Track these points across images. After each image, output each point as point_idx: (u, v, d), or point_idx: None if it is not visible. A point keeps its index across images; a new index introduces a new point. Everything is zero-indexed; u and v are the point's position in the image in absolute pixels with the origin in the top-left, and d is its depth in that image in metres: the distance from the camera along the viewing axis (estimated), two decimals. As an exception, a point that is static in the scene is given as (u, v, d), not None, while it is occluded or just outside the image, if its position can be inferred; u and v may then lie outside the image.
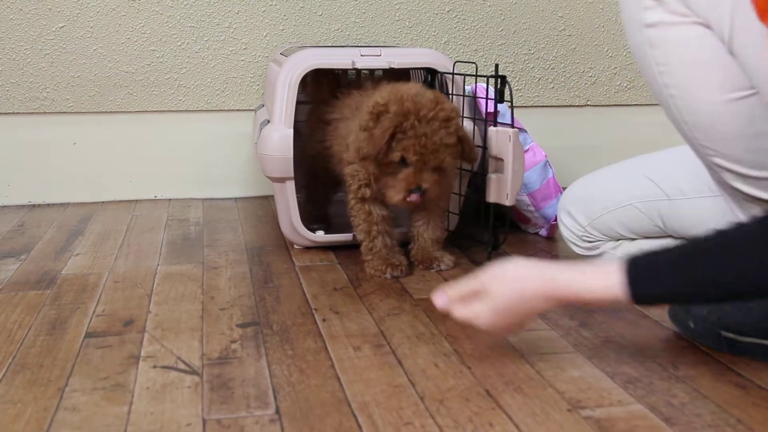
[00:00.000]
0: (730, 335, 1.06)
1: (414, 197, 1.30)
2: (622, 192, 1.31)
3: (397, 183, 1.30)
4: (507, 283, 0.97)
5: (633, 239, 1.33)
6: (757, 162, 0.97)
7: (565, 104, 2.19)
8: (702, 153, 1.02)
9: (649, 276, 0.90)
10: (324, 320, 1.19)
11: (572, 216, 1.36)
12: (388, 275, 1.39)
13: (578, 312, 1.23)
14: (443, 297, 1.02)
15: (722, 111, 0.96)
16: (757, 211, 1.02)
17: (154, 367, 1.03)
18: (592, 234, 1.34)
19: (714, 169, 1.03)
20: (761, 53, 0.88)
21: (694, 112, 0.98)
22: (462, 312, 1.01)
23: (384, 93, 1.33)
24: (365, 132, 1.30)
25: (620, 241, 1.34)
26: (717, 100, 0.96)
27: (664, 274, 0.89)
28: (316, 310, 1.24)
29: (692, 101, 0.97)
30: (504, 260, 1.00)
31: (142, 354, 1.07)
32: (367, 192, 1.39)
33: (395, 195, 1.31)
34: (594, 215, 1.33)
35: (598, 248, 1.35)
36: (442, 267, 1.44)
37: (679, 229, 1.28)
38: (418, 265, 1.46)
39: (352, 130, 1.44)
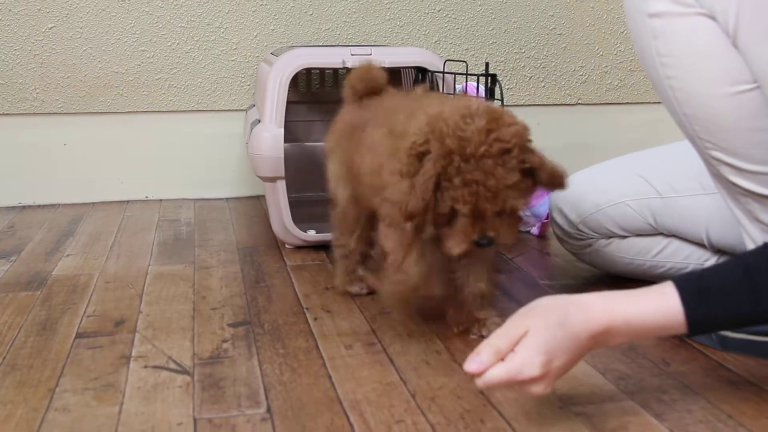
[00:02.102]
0: (722, 332, 1.07)
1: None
2: (614, 190, 1.31)
3: (455, 234, 1.00)
4: (546, 315, 0.84)
5: (624, 236, 1.33)
6: (756, 156, 0.97)
7: (556, 103, 2.20)
8: (700, 146, 1.02)
9: (702, 299, 0.85)
10: (315, 319, 1.19)
11: (564, 214, 1.36)
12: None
13: (570, 309, 1.23)
14: (476, 361, 0.83)
15: (723, 104, 0.95)
16: (753, 207, 1.03)
17: (145, 367, 1.03)
18: (583, 232, 1.34)
19: (711, 163, 1.02)
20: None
21: (694, 104, 0.97)
22: (502, 369, 0.82)
23: (421, 124, 1.00)
24: (405, 179, 0.99)
25: (612, 239, 1.34)
26: (718, 94, 0.95)
27: (717, 299, 0.85)
28: (307, 309, 1.24)
29: (693, 94, 0.96)
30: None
31: (133, 354, 1.07)
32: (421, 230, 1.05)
33: (455, 247, 1.00)
34: (585, 213, 1.33)
35: (590, 245, 1.35)
36: (483, 333, 1.12)
37: (671, 226, 1.28)
38: (455, 326, 1.15)
39: (381, 149, 1.10)
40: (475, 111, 0.98)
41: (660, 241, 1.32)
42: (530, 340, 0.83)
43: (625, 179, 1.31)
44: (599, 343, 0.86)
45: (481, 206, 0.97)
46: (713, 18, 0.92)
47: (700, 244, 1.29)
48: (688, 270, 1.31)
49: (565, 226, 1.36)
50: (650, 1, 0.95)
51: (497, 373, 0.82)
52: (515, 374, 0.82)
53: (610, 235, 1.33)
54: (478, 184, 0.95)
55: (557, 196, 1.38)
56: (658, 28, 0.95)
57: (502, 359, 0.83)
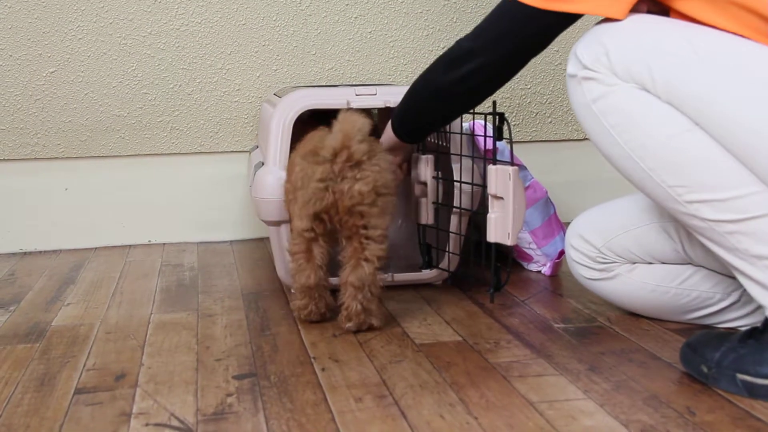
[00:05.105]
0: (747, 378, 1.02)
1: None
2: (644, 211, 1.28)
3: None
4: None
5: (650, 263, 1.29)
6: (726, 182, 1.03)
7: (564, 138, 2.17)
8: (675, 198, 1.07)
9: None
10: (323, 370, 1.15)
11: (585, 239, 1.31)
12: None
13: (586, 355, 1.18)
14: None
15: (681, 142, 1.04)
16: (745, 243, 1.04)
17: (147, 425, 0.99)
18: (607, 255, 1.30)
19: (691, 213, 1.07)
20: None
21: (656, 153, 1.06)
22: None
23: None
24: None
25: (636, 264, 1.30)
26: (673, 133, 1.05)
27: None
28: (315, 358, 1.19)
29: (652, 142, 1.06)
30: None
31: (133, 411, 1.03)
32: None
33: None
34: (610, 236, 1.29)
35: (612, 270, 1.30)
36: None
37: (701, 256, 1.24)
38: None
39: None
40: None
41: (687, 269, 1.28)
42: None
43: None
44: None
45: None
46: (638, 85, 1.05)
47: (727, 275, 1.25)
48: (714, 299, 1.27)
49: (587, 251, 1.31)
50: (587, 92, 1.09)
51: None
52: None
53: (635, 261, 1.29)
54: None
55: (577, 223, 1.34)
56: (602, 107, 1.08)
57: None
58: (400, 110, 1.37)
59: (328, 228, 1.30)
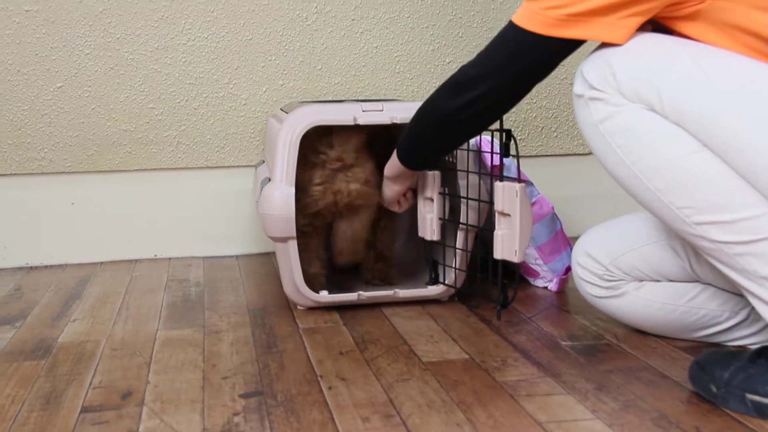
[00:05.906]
0: (756, 398, 1.01)
1: None
2: (651, 228, 1.27)
3: None
4: None
5: (658, 281, 1.29)
6: (733, 204, 1.03)
7: (570, 153, 2.17)
8: (681, 220, 1.07)
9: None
10: (330, 388, 1.14)
11: (592, 256, 1.31)
12: None
13: (594, 373, 1.18)
14: None
15: (688, 163, 1.04)
16: (755, 265, 1.04)
17: (153, 444, 0.99)
18: (614, 273, 1.29)
19: (699, 234, 1.06)
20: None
21: (663, 174, 1.06)
22: None
23: None
24: None
25: (643, 282, 1.29)
26: (680, 155, 1.04)
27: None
28: (321, 377, 1.19)
29: (659, 164, 1.06)
30: None
31: (140, 430, 1.02)
32: None
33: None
34: (617, 253, 1.28)
35: (619, 288, 1.29)
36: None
37: (707, 272, 1.23)
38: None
39: None
40: None
41: (695, 287, 1.27)
42: None
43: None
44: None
45: None
46: (645, 105, 1.05)
47: (735, 293, 1.25)
48: (722, 318, 1.27)
49: (594, 268, 1.30)
50: (593, 112, 1.09)
51: None
52: None
53: (642, 278, 1.29)
54: None
55: (584, 241, 1.33)
56: (609, 128, 1.08)
57: None
58: (406, 138, 1.37)
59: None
